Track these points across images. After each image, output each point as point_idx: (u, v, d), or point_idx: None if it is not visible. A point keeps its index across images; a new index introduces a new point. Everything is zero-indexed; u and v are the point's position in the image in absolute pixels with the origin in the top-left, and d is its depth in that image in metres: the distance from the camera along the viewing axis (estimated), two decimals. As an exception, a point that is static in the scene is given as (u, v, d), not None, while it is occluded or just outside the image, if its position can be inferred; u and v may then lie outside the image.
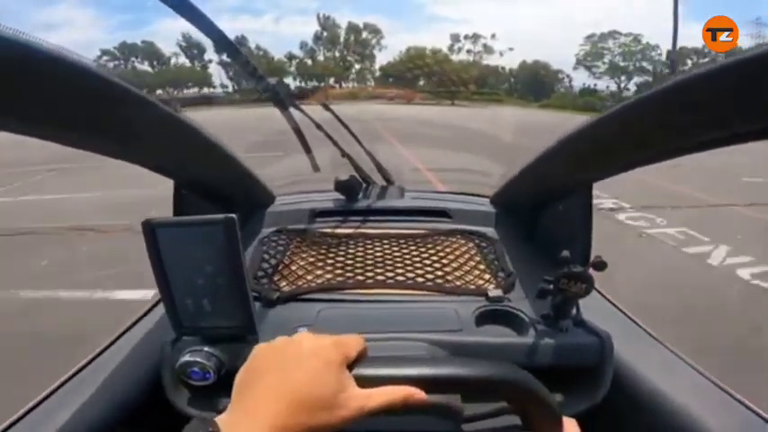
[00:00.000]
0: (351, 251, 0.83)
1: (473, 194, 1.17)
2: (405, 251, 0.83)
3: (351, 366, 0.35)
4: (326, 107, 0.98)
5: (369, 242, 0.87)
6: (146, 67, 42.34)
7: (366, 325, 0.58)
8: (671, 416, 0.51)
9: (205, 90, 44.86)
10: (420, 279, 0.73)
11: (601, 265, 0.52)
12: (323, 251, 0.83)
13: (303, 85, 45.70)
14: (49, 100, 0.37)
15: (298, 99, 0.84)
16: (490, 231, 0.93)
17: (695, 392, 0.54)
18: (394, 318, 0.62)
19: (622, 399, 0.57)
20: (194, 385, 0.53)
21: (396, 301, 0.67)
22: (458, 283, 0.72)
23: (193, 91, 44.40)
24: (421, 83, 42.87)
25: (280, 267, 0.75)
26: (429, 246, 0.86)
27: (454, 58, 44.70)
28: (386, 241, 0.88)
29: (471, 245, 0.87)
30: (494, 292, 0.67)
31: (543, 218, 0.90)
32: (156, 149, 0.62)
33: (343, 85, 48.58)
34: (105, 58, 40.12)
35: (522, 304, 0.64)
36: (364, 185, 1.10)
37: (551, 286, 0.57)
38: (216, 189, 0.82)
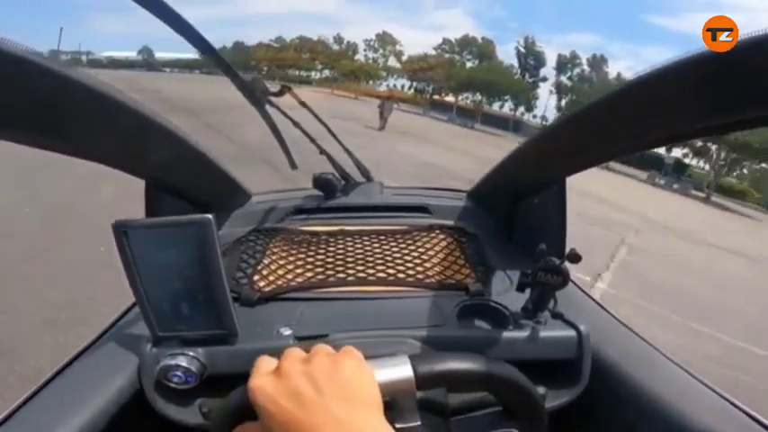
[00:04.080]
0: (331, 249, 0.82)
1: (451, 189, 1.18)
2: (385, 247, 0.83)
3: None
4: (303, 104, 0.97)
5: (349, 239, 0.87)
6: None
7: (349, 323, 0.58)
8: (650, 407, 0.53)
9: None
10: (401, 275, 0.73)
11: (575, 258, 0.54)
12: (302, 249, 0.82)
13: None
14: None
15: (276, 95, 0.82)
16: (469, 226, 0.95)
17: (672, 384, 0.56)
18: (377, 315, 0.62)
19: (602, 390, 0.58)
20: (176, 389, 0.51)
21: (377, 298, 0.67)
22: (438, 278, 0.72)
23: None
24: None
25: (259, 267, 0.74)
26: (409, 242, 0.86)
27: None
28: (366, 238, 0.88)
29: (451, 240, 0.88)
30: (474, 286, 0.68)
31: (520, 212, 0.92)
32: (124, 148, 0.59)
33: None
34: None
35: (502, 298, 0.66)
36: (343, 182, 1.09)
37: (529, 279, 0.59)
38: (190, 188, 0.79)
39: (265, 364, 0.35)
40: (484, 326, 0.63)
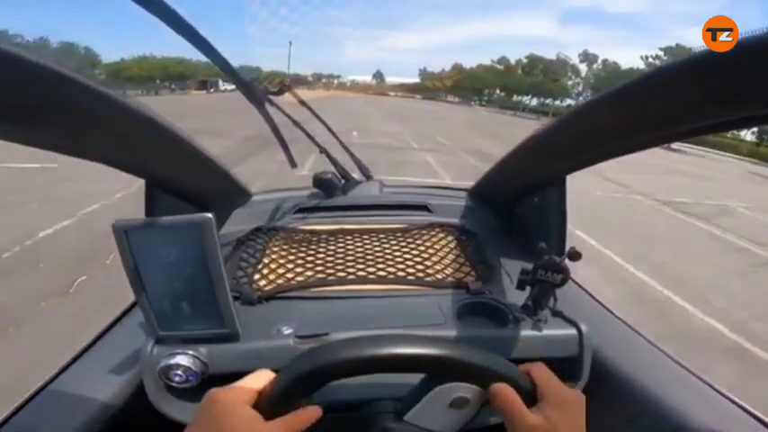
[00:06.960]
0: (331, 247, 0.82)
1: (452, 188, 1.18)
2: (385, 246, 0.83)
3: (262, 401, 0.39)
4: (303, 103, 0.97)
5: (349, 238, 0.87)
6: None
7: (349, 322, 0.58)
8: (650, 405, 0.53)
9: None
10: (401, 273, 0.73)
11: (576, 256, 0.54)
12: (303, 248, 0.82)
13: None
14: None
15: (276, 94, 0.82)
16: (469, 224, 0.95)
17: (672, 381, 0.56)
18: (377, 314, 0.62)
19: (602, 388, 0.58)
20: (178, 388, 0.52)
21: (378, 296, 0.67)
22: (439, 276, 0.72)
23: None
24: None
25: (259, 266, 0.74)
26: (409, 240, 0.86)
27: None
28: (366, 236, 0.88)
29: (451, 238, 0.88)
30: (474, 284, 0.68)
31: (520, 210, 0.92)
32: (123, 148, 0.59)
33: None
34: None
35: (503, 296, 0.66)
36: (343, 181, 1.09)
37: (529, 277, 0.59)
38: (190, 188, 0.79)
39: None
40: (484, 324, 0.63)
